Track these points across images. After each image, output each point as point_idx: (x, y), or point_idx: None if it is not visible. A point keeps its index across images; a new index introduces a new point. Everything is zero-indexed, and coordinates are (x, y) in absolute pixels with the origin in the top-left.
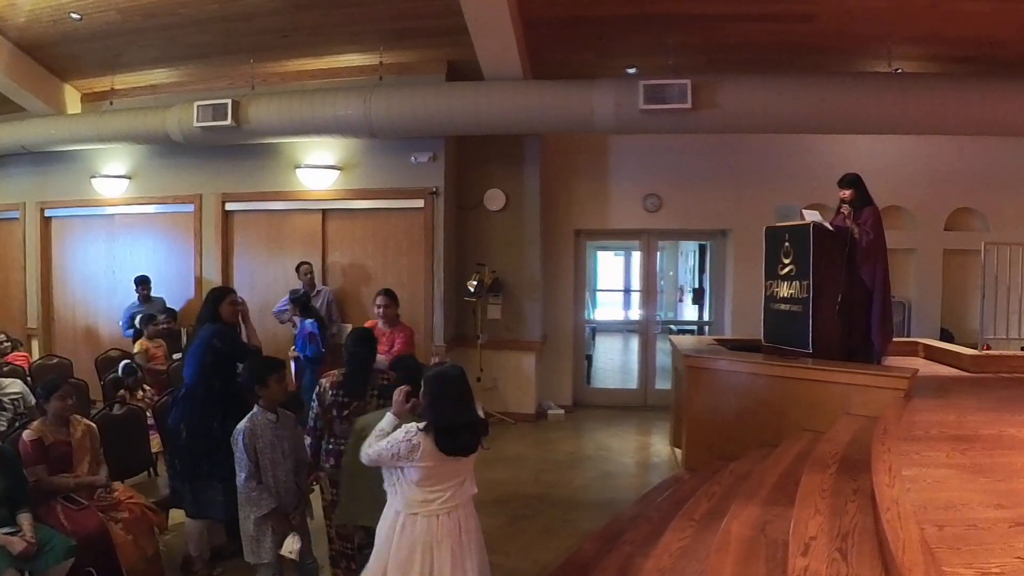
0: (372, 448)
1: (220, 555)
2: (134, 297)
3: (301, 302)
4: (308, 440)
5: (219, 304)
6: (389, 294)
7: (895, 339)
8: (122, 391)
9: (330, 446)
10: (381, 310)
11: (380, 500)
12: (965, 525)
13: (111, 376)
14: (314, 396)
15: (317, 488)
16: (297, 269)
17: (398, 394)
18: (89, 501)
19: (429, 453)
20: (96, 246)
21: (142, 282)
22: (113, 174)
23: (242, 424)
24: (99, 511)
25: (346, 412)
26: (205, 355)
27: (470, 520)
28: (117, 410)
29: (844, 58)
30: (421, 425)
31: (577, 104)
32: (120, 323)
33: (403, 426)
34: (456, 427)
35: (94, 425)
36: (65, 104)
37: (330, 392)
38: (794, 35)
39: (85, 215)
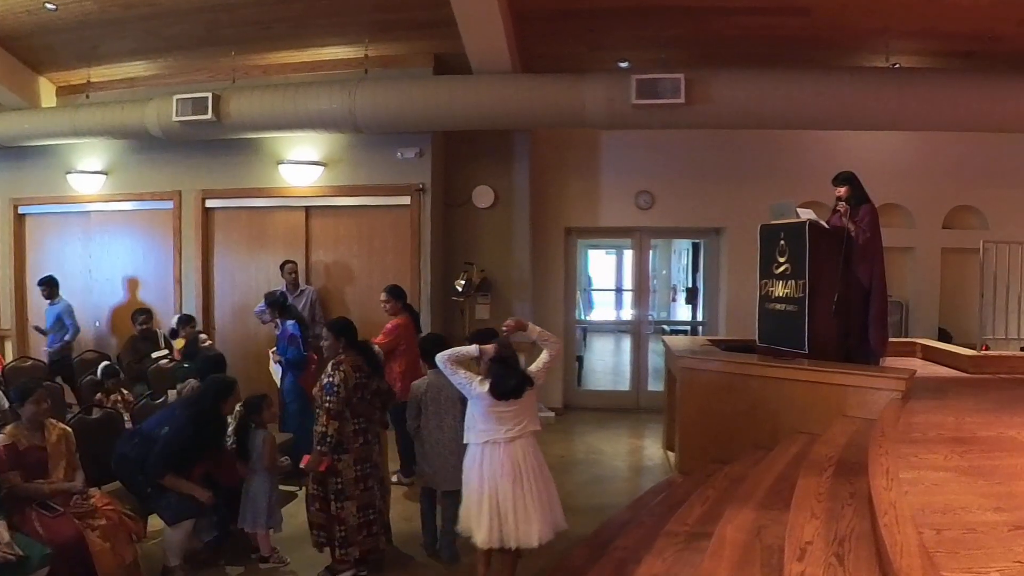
0: (453, 363)
1: (193, 560)
2: (111, 297)
3: (279, 304)
4: (331, 428)
5: (226, 399)
6: (388, 290)
7: (893, 339)
8: (99, 394)
9: (356, 427)
10: (384, 305)
11: (457, 469)
12: (964, 529)
13: (88, 378)
14: (335, 385)
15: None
16: (281, 268)
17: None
18: (65, 508)
19: (485, 396)
20: (72, 245)
21: (45, 283)
22: (89, 170)
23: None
24: (75, 518)
25: (366, 392)
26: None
27: (529, 456)
28: (94, 414)
29: (840, 53)
30: (482, 378)
31: (568, 98)
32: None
33: (475, 378)
34: (502, 380)
35: (70, 429)
36: (39, 97)
37: (355, 375)
38: (789, 29)
39: (60, 212)
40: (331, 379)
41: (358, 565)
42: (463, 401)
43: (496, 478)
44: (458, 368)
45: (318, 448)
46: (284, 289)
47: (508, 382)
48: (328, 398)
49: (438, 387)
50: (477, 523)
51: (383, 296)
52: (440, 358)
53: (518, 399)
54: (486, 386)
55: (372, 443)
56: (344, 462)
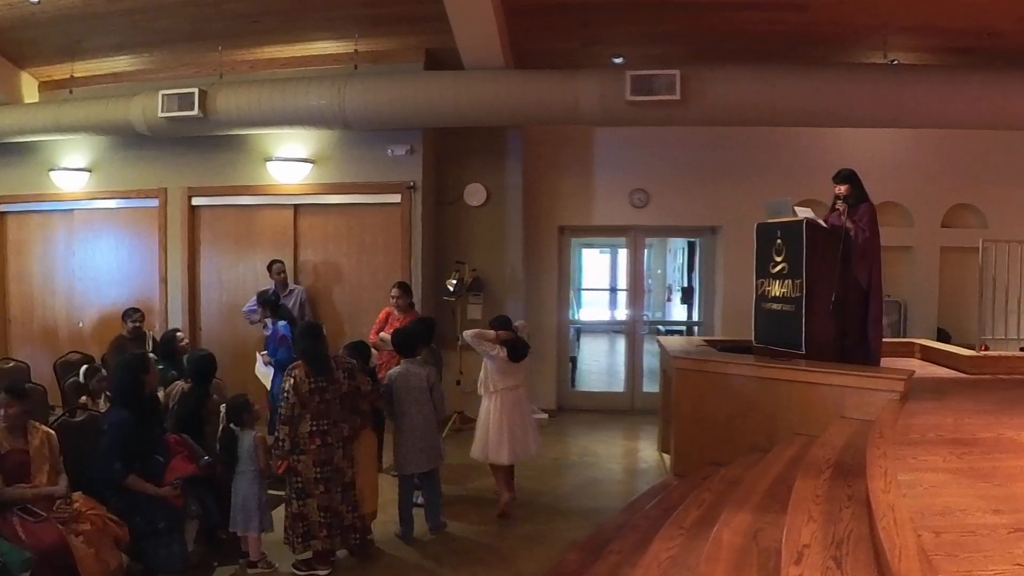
0: (475, 340)
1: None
2: (95, 297)
3: (271, 303)
4: (282, 432)
5: (145, 373)
6: (403, 286)
7: (891, 340)
8: (84, 397)
9: (313, 428)
10: (396, 300)
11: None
12: (963, 531)
13: (72, 380)
14: (287, 391)
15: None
16: (269, 268)
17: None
18: (48, 513)
19: (503, 359)
20: (55, 244)
21: None
22: (73, 167)
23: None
24: (59, 523)
25: (326, 395)
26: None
27: (523, 401)
28: (77, 416)
29: (838, 49)
30: (499, 347)
31: (561, 95)
32: None
33: (496, 346)
34: (514, 351)
35: (53, 432)
36: (21, 92)
37: (307, 382)
38: (787, 24)
39: (43, 210)
40: (283, 385)
41: (317, 565)
42: (430, 389)
43: (510, 414)
44: (481, 340)
45: (274, 452)
46: (275, 288)
47: (519, 351)
48: (280, 404)
49: (407, 376)
50: (500, 449)
51: (396, 291)
52: (468, 334)
53: (521, 361)
54: (503, 352)
55: (334, 446)
56: (303, 463)
